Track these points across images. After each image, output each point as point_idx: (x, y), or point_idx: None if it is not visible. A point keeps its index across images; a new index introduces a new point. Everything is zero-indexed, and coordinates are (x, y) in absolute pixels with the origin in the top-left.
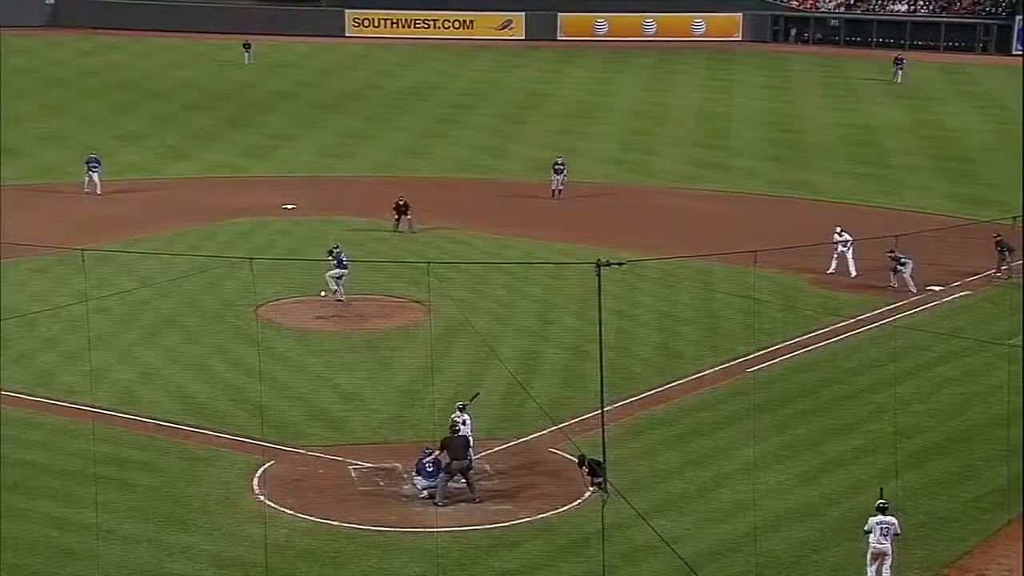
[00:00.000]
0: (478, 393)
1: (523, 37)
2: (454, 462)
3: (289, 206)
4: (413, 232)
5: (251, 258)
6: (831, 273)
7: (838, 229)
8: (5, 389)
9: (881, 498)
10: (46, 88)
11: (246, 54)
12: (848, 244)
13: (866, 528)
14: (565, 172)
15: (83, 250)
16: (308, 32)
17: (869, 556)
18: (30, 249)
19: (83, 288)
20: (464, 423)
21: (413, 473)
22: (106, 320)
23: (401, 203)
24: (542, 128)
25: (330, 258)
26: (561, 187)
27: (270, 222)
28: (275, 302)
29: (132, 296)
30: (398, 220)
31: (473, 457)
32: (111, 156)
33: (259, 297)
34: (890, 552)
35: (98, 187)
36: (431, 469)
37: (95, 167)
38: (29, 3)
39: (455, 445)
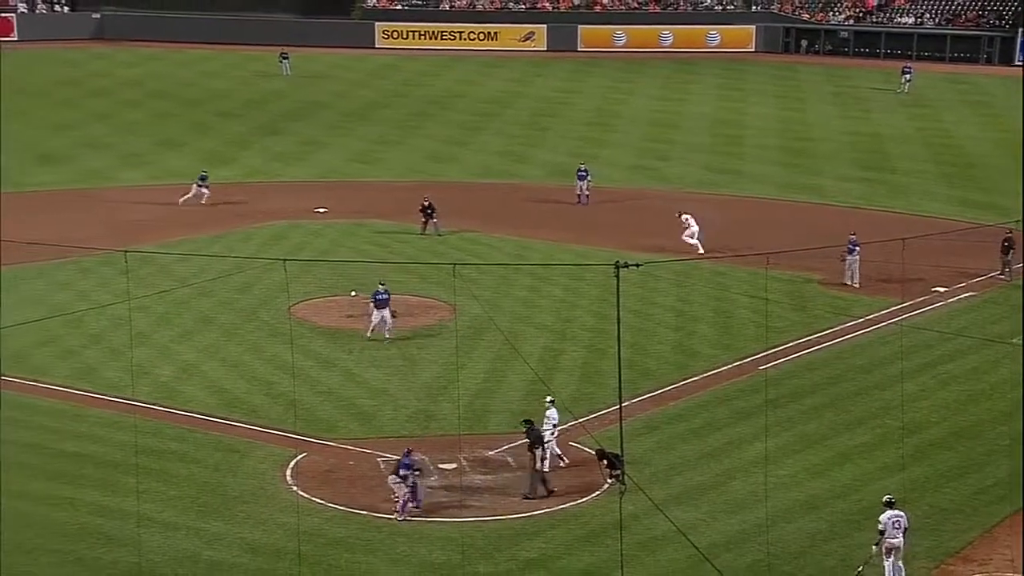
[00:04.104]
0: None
1: (545, 48)
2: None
3: (321, 209)
4: (439, 234)
5: (285, 259)
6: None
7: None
8: (53, 383)
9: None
10: (91, 98)
11: (284, 63)
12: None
13: (880, 528)
14: (589, 178)
15: (126, 251)
16: (340, 43)
17: (883, 550)
18: (76, 250)
19: (125, 287)
20: (551, 416)
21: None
22: (147, 318)
23: (426, 204)
24: (563, 135)
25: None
26: (587, 192)
27: (303, 225)
28: (307, 301)
29: (171, 296)
30: (425, 223)
31: (547, 450)
32: (153, 163)
33: (292, 296)
34: (902, 545)
35: (203, 198)
36: (403, 472)
37: (204, 182)
38: (79, 17)
39: (533, 437)
